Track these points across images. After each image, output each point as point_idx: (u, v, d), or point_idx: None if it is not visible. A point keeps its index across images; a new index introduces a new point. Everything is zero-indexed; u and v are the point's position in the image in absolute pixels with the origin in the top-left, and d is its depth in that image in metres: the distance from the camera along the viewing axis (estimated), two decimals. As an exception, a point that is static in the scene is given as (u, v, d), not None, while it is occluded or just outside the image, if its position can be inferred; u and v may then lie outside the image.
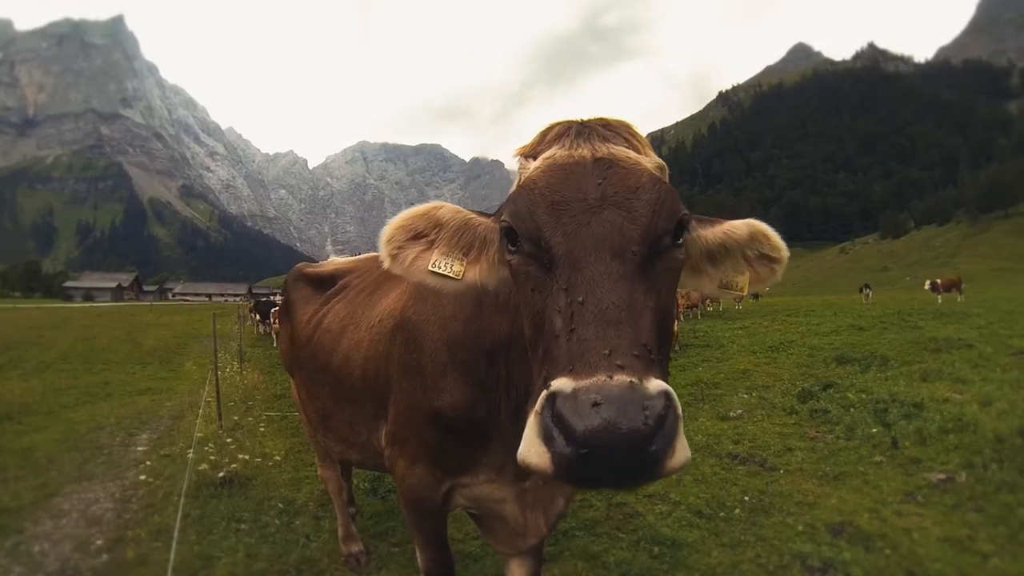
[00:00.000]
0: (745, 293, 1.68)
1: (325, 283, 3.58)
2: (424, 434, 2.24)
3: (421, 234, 1.59)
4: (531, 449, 1.11)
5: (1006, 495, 4.93)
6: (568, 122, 1.59)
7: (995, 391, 8.03)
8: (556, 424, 1.07)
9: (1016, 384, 8.45)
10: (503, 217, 1.48)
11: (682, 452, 1.09)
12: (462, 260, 1.59)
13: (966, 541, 4.30)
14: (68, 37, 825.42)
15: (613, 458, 1.03)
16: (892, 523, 4.64)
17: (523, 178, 1.50)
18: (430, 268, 1.57)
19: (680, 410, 1.11)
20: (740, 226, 1.61)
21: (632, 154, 1.49)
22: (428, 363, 2.20)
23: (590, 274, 1.27)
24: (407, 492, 2.36)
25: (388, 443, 2.47)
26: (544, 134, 1.61)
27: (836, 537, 4.45)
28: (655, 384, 1.09)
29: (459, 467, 2.23)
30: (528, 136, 1.69)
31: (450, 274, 1.58)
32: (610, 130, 1.54)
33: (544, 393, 1.12)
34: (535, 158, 1.54)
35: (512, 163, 1.69)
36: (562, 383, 1.10)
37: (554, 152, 1.50)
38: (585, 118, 1.61)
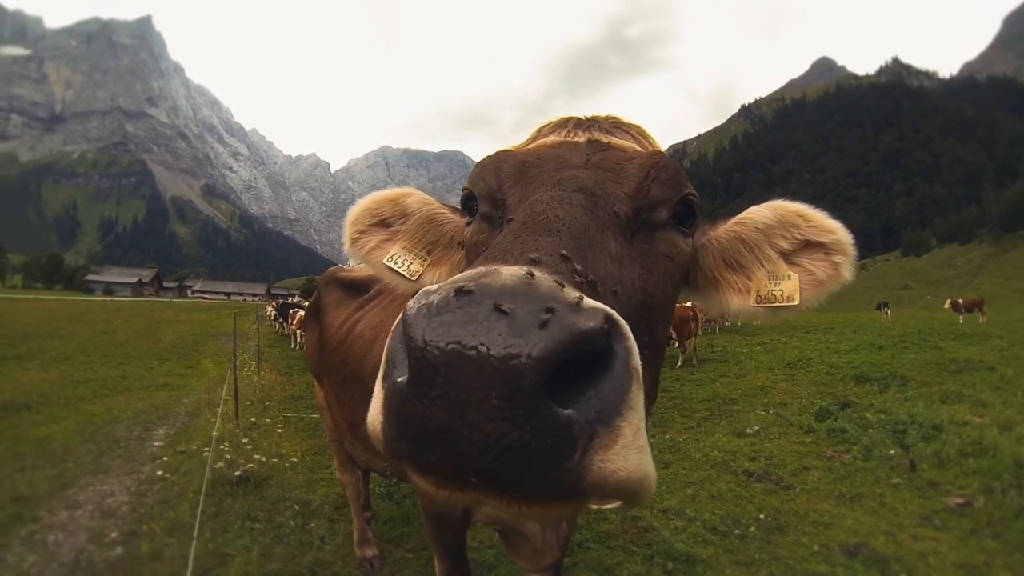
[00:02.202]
0: (798, 303, 1.24)
1: (359, 288, 3.52)
2: None
3: (386, 221, 1.47)
4: (374, 399, 0.74)
5: (1024, 522, 4.86)
6: (566, 117, 1.42)
7: (1016, 415, 7.93)
8: (401, 344, 0.71)
9: (1038, 408, 8.33)
10: (465, 184, 1.30)
11: (635, 457, 0.67)
12: (424, 259, 1.46)
13: (982, 567, 4.25)
14: (96, 36, 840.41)
15: (462, 400, 0.63)
16: (908, 547, 4.59)
17: None
18: (385, 262, 1.44)
19: (639, 371, 0.69)
20: (759, 211, 1.31)
21: (635, 146, 1.30)
22: None
23: (539, 198, 1.03)
24: (427, 505, 2.34)
25: None
26: (540, 129, 1.43)
27: (851, 559, 4.40)
28: (588, 302, 0.68)
29: None
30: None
31: (405, 272, 1.44)
32: (617, 126, 1.36)
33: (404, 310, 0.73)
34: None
35: None
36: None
37: (544, 141, 1.32)
38: (592, 114, 1.42)
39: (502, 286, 0.68)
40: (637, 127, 1.39)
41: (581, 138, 1.28)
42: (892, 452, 6.74)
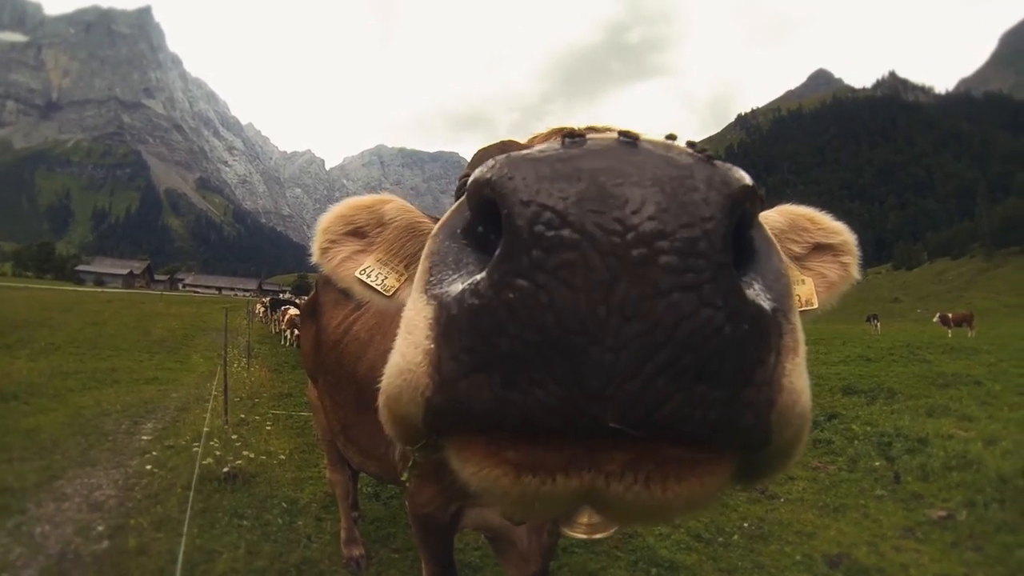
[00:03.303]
0: (816, 307, 1.18)
1: None
2: None
3: (361, 230, 1.31)
4: (405, 331, 0.55)
5: (1006, 536, 4.93)
6: (562, 127, 1.27)
7: (1001, 430, 7.99)
8: (470, 229, 0.53)
9: (1022, 424, 8.40)
10: (460, 178, 1.20)
11: (802, 378, 0.51)
12: (400, 273, 1.29)
13: (963, 580, 4.30)
14: (95, 24, 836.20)
15: (611, 266, 0.43)
16: (890, 558, 4.64)
17: None
18: (357, 274, 1.27)
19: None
20: (771, 215, 1.23)
21: None
22: None
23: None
24: (416, 510, 2.33)
25: (400, 460, 2.42)
26: (533, 139, 1.33)
27: (833, 569, 4.45)
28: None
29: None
30: None
31: (379, 287, 1.27)
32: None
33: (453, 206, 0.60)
34: None
35: None
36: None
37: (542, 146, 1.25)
38: (589, 124, 1.25)
39: (623, 131, 0.50)
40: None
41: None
42: (877, 464, 6.80)
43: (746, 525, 5.25)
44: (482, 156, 1.14)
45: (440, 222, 0.56)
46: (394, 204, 1.32)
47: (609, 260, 0.42)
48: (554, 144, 0.50)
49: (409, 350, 0.51)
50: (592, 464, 0.46)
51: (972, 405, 10.00)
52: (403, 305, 1.12)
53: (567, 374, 0.42)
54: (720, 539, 4.97)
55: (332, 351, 3.20)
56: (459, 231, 0.52)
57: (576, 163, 0.45)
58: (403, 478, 1.75)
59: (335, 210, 1.30)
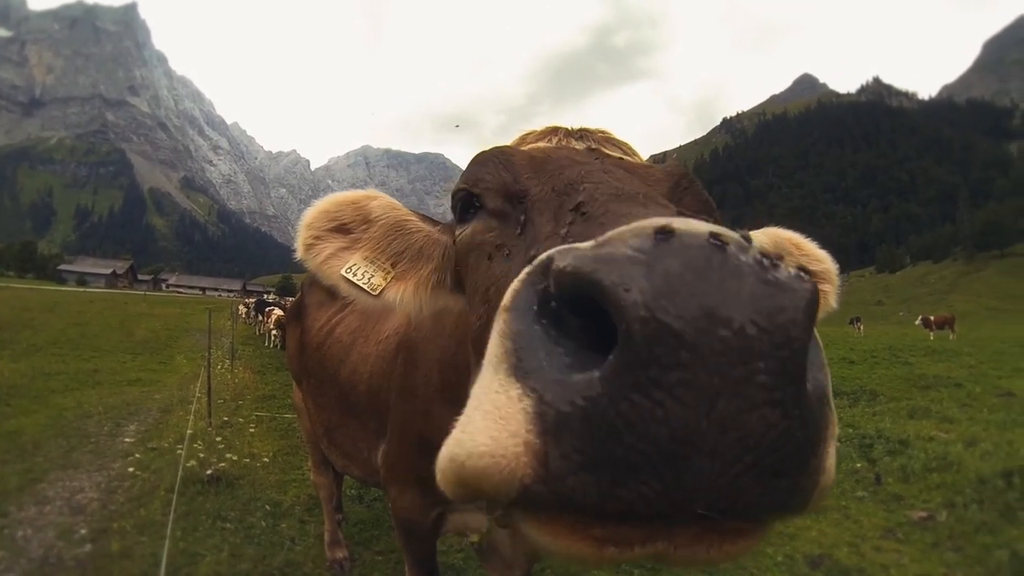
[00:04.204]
0: None
1: None
2: (414, 459, 2.10)
3: (346, 227, 1.30)
4: (476, 412, 0.56)
5: (985, 536, 4.98)
6: (555, 126, 1.34)
7: (981, 431, 8.08)
8: (553, 320, 0.54)
9: (1002, 425, 8.50)
10: (454, 189, 1.17)
11: (834, 455, 0.59)
12: (387, 271, 1.28)
13: (942, 580, 4.35)
14: (80, 21, 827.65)
15: (714, 385, 0.47)
16: (871, 558, 4.69)
17: None
18: (343, 272, 1.25)
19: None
20: (758, 236, 1.26)
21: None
22: (422, 385, 2.03)
23: (593, 180, 0.90)
24: (398, 515, 2.31)
25: (383, 464, 2.40)
26: (524, 136, 1.36)
27: (814, 569, 4.49)
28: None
29: None
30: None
31: (365, 286, 1.25)
32: (609, 141, 1.29)
33: (519, 280, 0.59)
34: None
35: None
36: (567, 250, 0.56)
37: (537, 144, 1.26)
38: (582, 126, 1.33)
39: (710, 231, 0.51)
40: (627, 144, 1.31)
41: (579, 146, 1.22)
42: (859, 466, 6.86)
43: (729, 527, 5.27)
44: (483, 163, 1.12)
45: (509, 296, 0.56)
46: (380, 201, 1.31)
47: (715, 379, 0.45)
48: (646, 236, 0.50)
49: (503, 436, 0.50)
50: (668, 536, 0.51)
51: (953, 407, 10.13)
52: (390, 305, 1.28)
53: (670, 476, 0.46)
54: (703, 541, 4.99)
55: (315, 353, 3.19)
56: (536, 310, 0.53)
57: (685, 278, 0.47)
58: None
59: (319, 205, 1.29)
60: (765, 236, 1.28)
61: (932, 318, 34.50)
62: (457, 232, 1.17)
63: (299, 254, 1.29)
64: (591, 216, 0.71)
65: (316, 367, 3.17)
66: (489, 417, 0.52)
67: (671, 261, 0.47)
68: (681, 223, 0.51)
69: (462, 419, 0.57)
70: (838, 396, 11.51)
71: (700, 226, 0.50)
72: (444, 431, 1.82)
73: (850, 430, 8.20)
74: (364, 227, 1.30)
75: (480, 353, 0.66)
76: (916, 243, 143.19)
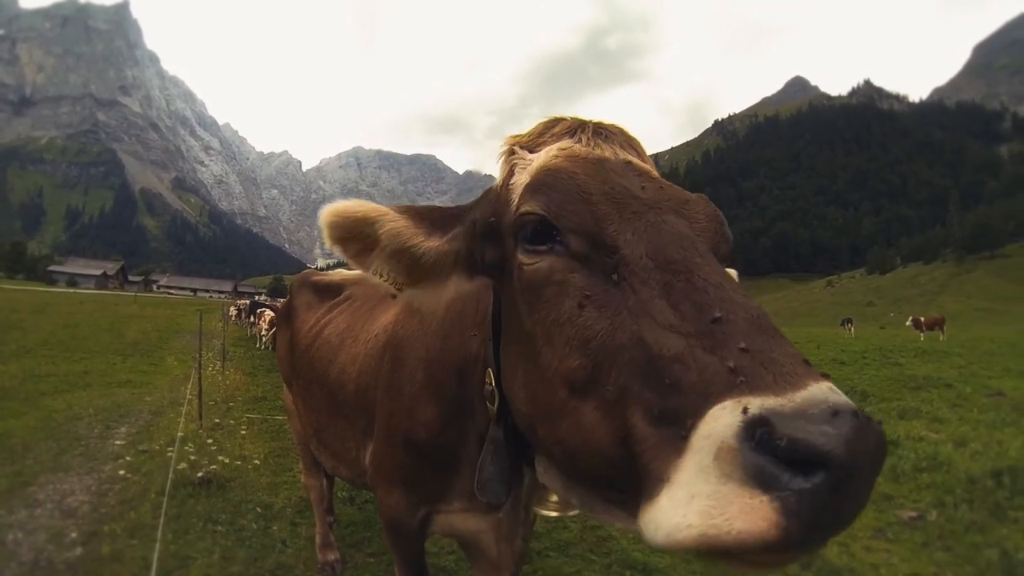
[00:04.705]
0: None
1: (330, 292, 3.45)
2: (400, 457, 2.13)
3: (362, 236, 1.33)
4: (731, 507, 0.75)
5: (975, 535, 5.01)
6: (578, 119, 1.37)
7: (971, 432, 8.13)
8: (778, 455, 0.74)
9: (992, 425, 8.56)
10: (526, 209, 1.17)
11: None
12: (403, 278, 1.36)
13: (932, 579, 4.36)
14: (72, 19, 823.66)
15: (866, 480, 0.78)
16: (861, 558, 4.71)
17: (535, 166, 1.26)
18: (372, 273, 1.34)
19: None
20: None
21: (654, 170, 1.30)
22: (407, 382, 2.06)
23: (706, 279, 0.97)
24: (385, 514, 2.31)
25: (370, 463, 2.40)
26: (548, 126, 1.37)
27: (805, 570, 4.50)
28: None
29: (434, 493, 2.10)
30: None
31: (391, 284, 1.35)
32: (630, 143, 1.35)
33: (736, 421, 0.77)
34: (533, 151, 1.33)
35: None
36: (767, 401, 0.77)
37: (570, 144, 1.28)
38: (597, 120, 1.37)
39: (845, 403, 0.78)
40: (638, 142, 1.38)
41: (607, 153, 1.26)
42: (849, 466, 6.89)
43: (720, 527, 5.28)
44: (552, 185, 1.15)
45: (732, 435, 0.77)
46: (387, 229, 1.31)
47: (862, 483, 0.77)
48: (828, 411, 0.76)
49: (756, 520, 0.73)
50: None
51: (943, 407, 10.18)
52: (412, 301, 1.40)
53: (838, 526, 0.77)
54: (694, 541, 4.99)
55: (304, 355, 3.19)
56: (752, 444, 0.75)
57: (855, 438, 0.74)
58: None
59: (333, 214, 1.29)
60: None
61: (923, 319, 34.69)
62: (525, 259, 1.16)
63: (328, 245, 1.33)
64: (757, 352, 0.85)
65: (305, 368, 3.17)
66: (744, 510, 0.74)
67: (848, 430, 0.74)
68: (840, 402, 0.78)
69: (686, 494, 0.79)
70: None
71: (847, 404, 0.78)
72: (430, 425, 1.91)
73: (841, 431, 8.22)
74: (376, 242, 1.31)
75: (578, 377, 1.00)
76: (907, 245, 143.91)
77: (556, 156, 1.24)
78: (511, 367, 1.30)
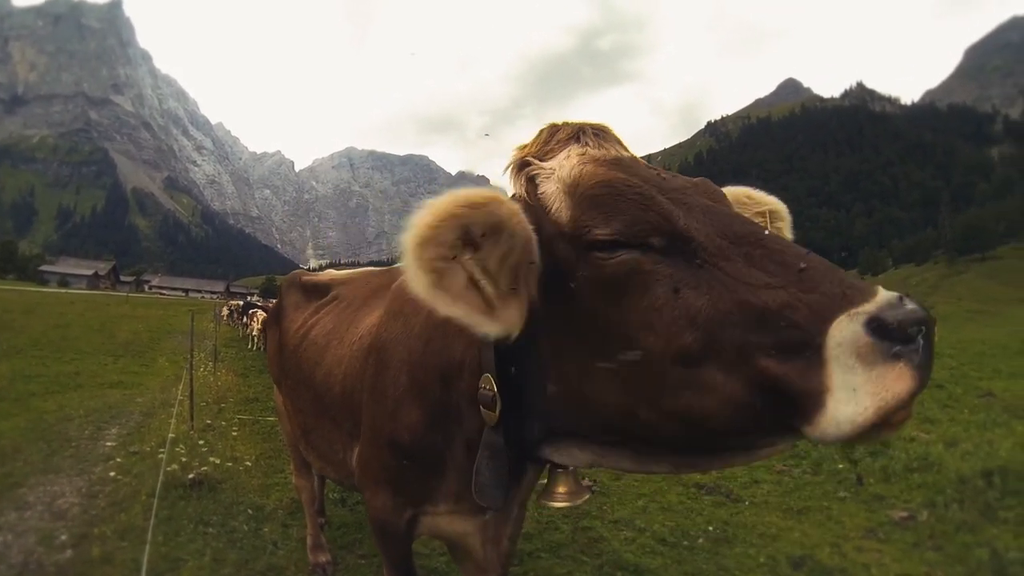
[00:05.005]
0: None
1: (319, 292, 3.43)
2: (385, 459, 2.14)
3: (471, 237, 1.22)
4: (886, 380, 0.95)
5: (965, 535, 5.04)
6: (572, 124, 1.45)
7: (961, 432, 8.17)
8: (894, 336, 0.95)
9: (982, 426, 8.60)
10: (600, 234, 1.21)
11: None
12: (501, 289, 1.27)
13: (923, 578, 4.39)
14: (64, 17, 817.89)
15: (934, 330, 1.01)
16: (852, 558, 4.73)
17: (567, 176, 1.31)
18: (464, 293, 1.24)
19: None
20: (727, 190, 1.54)
21: None
22: (391, 385, 2.07)
23: (774, 243, 1.15)
24: (372, 516, 2.32)
25: (357, 465, 2.41)
26: (551, 133, 1.45)
27: (796, 570, 4.52)
28: None
29: (419, 495, 2.11)
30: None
31: (481, 308, 1.25)
32: (619, 142, 1.46)
33: (859, 326, 0.96)
34: (543, 159, 1.39)
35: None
36: (866, 307, 0.98)
37: (583, 150, 1.37)
38: (582, 121, 1.45)
39: (901, 294, 1.01)
40: (619, 138, 1.49)
41: (614, 151, 1.39)
42: (841, 466, 6.92)
43: (711, 529, 5.30)
44: (626, 202, 1.21)
45: (861, 322, 0.98)
46: (508, 207, 1.26)
47: (934, 335, 0.99)
48: (897, 300, 0.99)
49: (906, 380, 0.95)
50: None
51: (934, 408, 10.22)
52: (500, 326, 1.27)
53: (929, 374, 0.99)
54: (685, 543, 5.02)
55: (292, 356, 3.19)
56: (877, 335, 0.96)
57: (919, 305, 1.00)
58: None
59: (442, 208, 1.18)
60: (728, 192, 1.51)
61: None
62: (604, 256, 1.20)
63: (422, 290, 1.21)
64: (839, 281, 1.06)
65: (293, 369, 3.16)
66: (896, 378, 0.95)
67: (916, 305, 0.99)
68: (898, 294, 1.00)
69: (868, 391, 0.96)
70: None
71: (902, 294, 1.01)
72: (414, 427, 1.94)
73: (833, 432, 8.23)
74: (492, 239, 1.24)
75: (678, 359, 1.12)
76: (899, 246, 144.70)
77: (582, 163, 1.32)
78: (580, 370, 1.31)
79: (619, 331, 1.20)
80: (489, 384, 1.52)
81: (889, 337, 0.96)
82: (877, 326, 0.96)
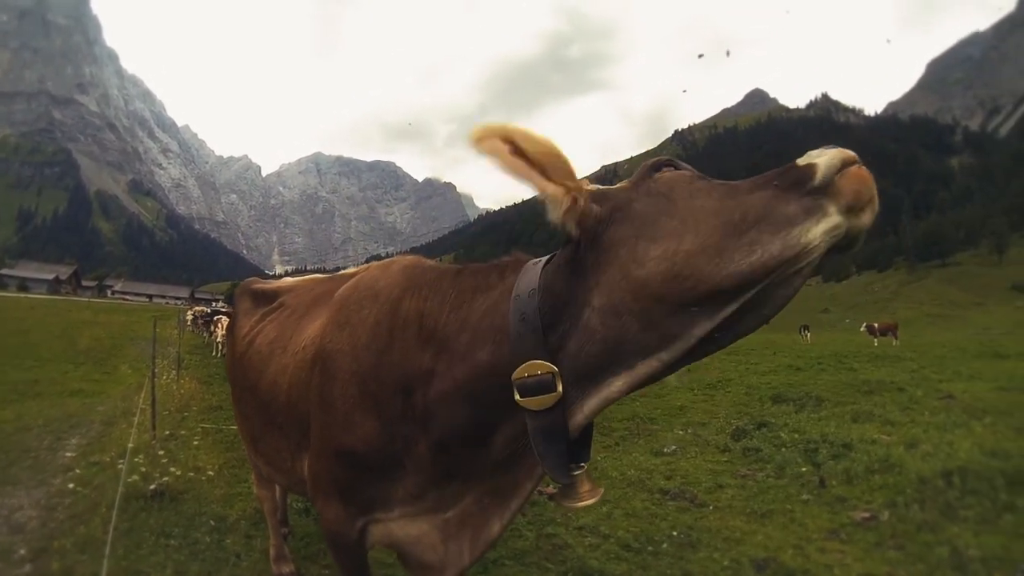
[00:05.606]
0: None
1: (266, 299, 3.37)
2: (335, 470, 2.13)
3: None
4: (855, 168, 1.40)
5: (926, 534, 5.13)
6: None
7: (921, 433, 8.31)
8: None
9: (942, 427, 8.76)
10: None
11: None
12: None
13: (885, 577, 4.46)
14: (30, 12, 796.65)
15: None
16: (815, 559, 4.78)
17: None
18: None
19: None
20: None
21: None
22: (339, 396, 2.06)
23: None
24: (325, 527, 2.28)
25: (308, 476, 2.37)
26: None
27: (760, 572, 4.57)
28: None
29: (372, 502, 2.10)
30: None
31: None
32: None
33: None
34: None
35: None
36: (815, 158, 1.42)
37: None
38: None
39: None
40: None
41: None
42: (804, 470, 7.01)
43: (675, 534, 5.32)
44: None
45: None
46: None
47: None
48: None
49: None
50: None
51: (895, 410, 10.41)
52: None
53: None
54: (650, 548, 5.03)
55: (238, 364, 3.15)
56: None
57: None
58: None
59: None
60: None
61: (876, 325, 35.60)
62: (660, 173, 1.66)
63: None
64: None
65: (240, 377, 3.12)
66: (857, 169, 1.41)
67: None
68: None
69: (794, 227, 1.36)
70: (784, 402, 11.78)
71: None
72: (368, 438, 2.04)
73: (796, 435, 8.37)
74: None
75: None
76: (861, 253, 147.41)
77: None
78: (635, 260, 1.51)
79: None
80: (544, 368, 1.57)
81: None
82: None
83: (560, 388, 1.57)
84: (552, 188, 1.52)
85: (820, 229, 1.33)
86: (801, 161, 1.41)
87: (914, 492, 6.02)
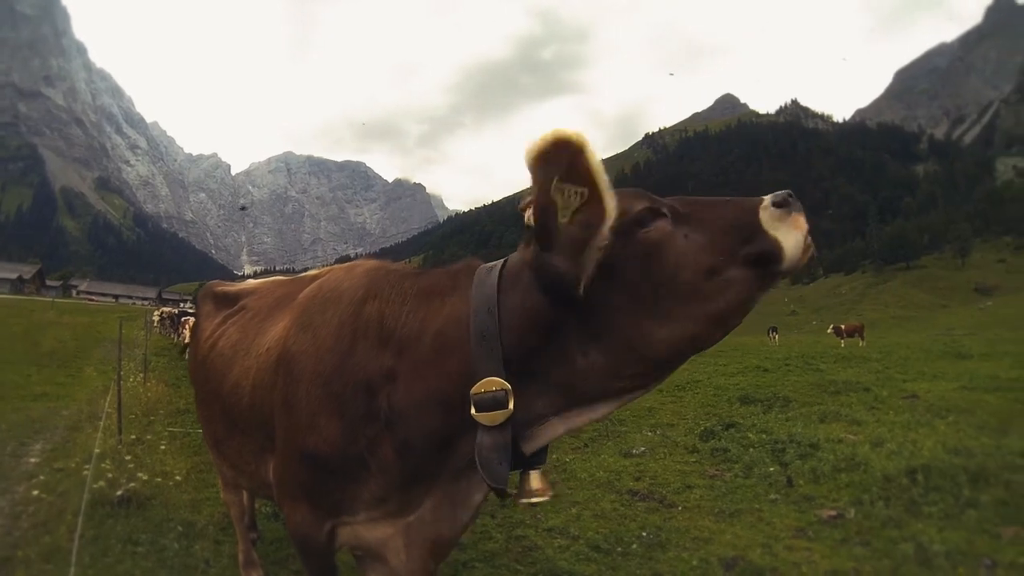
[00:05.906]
0: None
1: (228, 302, 3.33)
2: (300, 473, 2.11)
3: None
4: (796, 221, 1.59)
5: (891, 531, 5.25)
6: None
7: (887, 432, 8.47)
8: (782, 204, 1.59)
9: (907, 426, 8.96)
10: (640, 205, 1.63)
11: None
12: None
13: (851, 574, 4.56)
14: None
15: None
16: (783, 557, 4.86)
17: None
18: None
19: None
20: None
21: None
22: (303, 398, 2.05)
23: (700, 199, 1.71)
24: (292, 531, 2.27)
25: (274, 479, 2.35)
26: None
27: (729, 571, 4.63)
28: None
29: (338, 505, 2.08)
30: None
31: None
32: None
33: (767, 203, 1.59)
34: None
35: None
36: (766, 200, 1.62)
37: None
38: None
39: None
40: None
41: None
42: (771, 469, 7.11)
43: (644, 534, 5.36)
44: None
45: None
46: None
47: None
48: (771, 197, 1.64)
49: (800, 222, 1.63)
50: None
51: (861, 410, 10.62)
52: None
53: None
54: (619, 549, 5.06)
55: (201, 367, 3.12)
56: (776, 206, 1.61)
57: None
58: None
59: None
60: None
61: (843, 326, 36.15)
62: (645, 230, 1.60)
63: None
64: (732, 202, 1.69)
65: (203, 381, 3.09)
66: (795, 219, 1.60)
67: (782, 192, 1.66)
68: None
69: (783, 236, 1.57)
70: (752, 403, 11.92)
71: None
72: (332, 439, 2.04)
73: (763, 436, 8.47)
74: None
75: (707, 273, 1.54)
76: (828, 256, 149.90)
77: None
78: (631, 322, 1.58)
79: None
80: (498, 384, 1.62)
81: (783, 206, 1.57)
82: (775, 203, 1.58)
83: (511, 406, 1.63)
84: (614, 204, 1.43)
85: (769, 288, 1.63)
86: (767, 226, 1.57)
87: (879, 490, 6.14)
